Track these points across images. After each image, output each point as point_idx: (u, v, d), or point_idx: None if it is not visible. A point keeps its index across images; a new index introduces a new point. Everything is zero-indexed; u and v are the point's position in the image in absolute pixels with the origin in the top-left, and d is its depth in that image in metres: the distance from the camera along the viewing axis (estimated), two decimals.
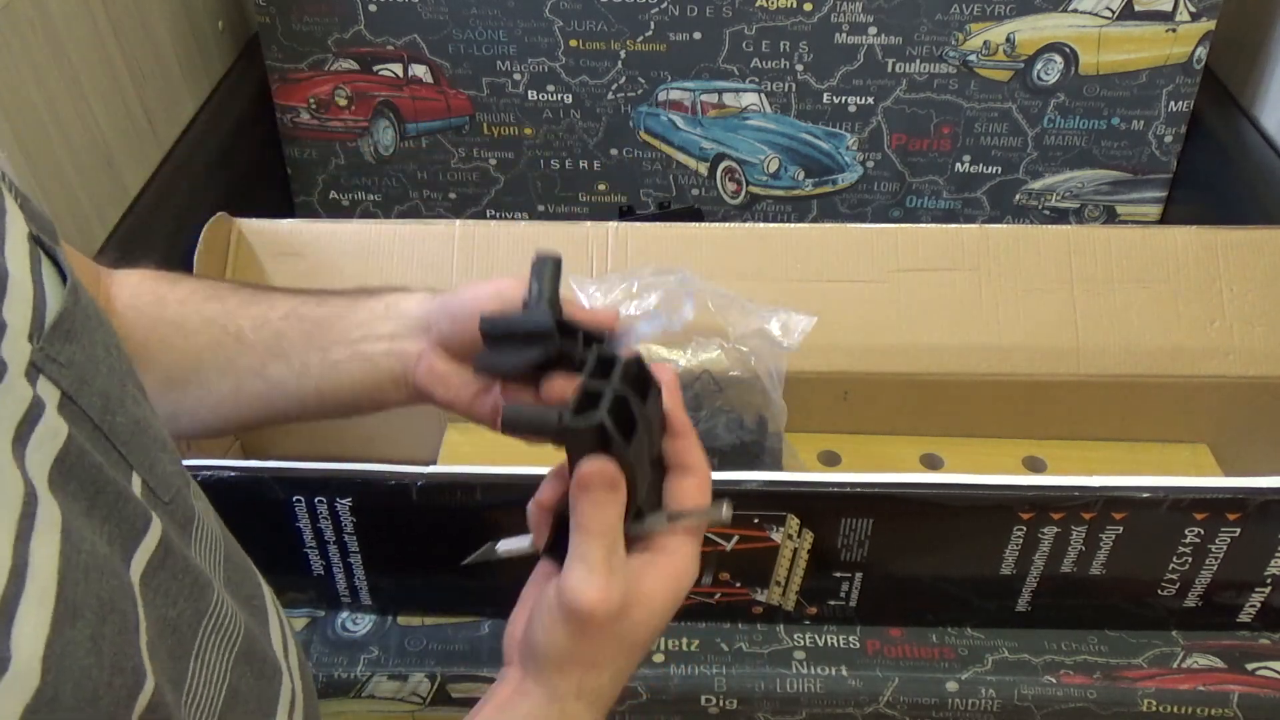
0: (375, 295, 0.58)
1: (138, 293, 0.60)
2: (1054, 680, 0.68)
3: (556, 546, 0.45)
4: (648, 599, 0.43)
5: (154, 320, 0.59)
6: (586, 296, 0.76)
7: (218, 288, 0.60)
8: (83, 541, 0.32)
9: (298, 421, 0.61)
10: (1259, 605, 0.69)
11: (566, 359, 0.51)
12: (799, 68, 1.14)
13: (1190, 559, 0.66)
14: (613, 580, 0.42)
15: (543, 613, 0.43)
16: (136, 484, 0.37)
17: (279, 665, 0.45)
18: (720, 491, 0.65)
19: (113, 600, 0.33)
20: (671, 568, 0.44)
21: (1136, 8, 1.08)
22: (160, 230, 0.95)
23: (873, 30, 1.11)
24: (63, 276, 0.36)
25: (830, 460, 0.84)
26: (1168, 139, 1.15)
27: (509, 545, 0.50)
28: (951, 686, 0.68)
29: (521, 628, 0.45)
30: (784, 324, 0.75)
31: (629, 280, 0.74)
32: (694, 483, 0.46)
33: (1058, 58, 1.12)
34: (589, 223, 0.86)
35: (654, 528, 0.43)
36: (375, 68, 1.19)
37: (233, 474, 0.64)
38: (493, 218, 1.27)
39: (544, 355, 0.51)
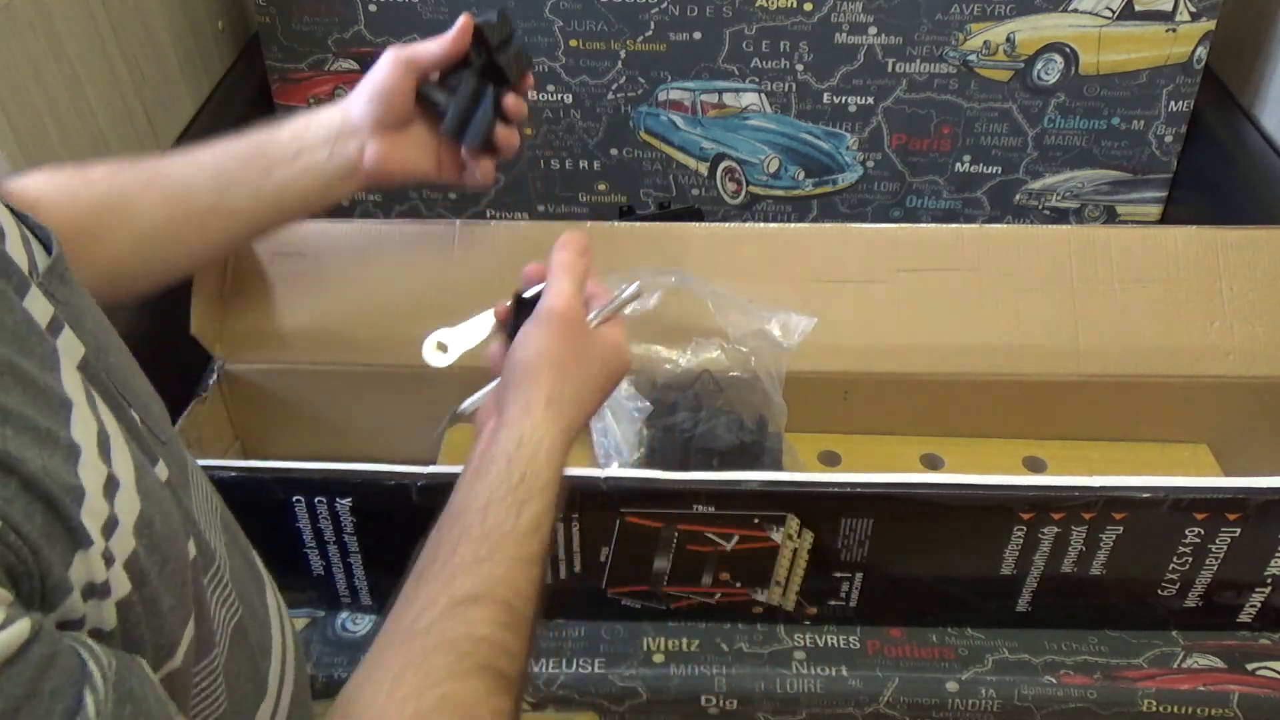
0: (288, 119, 0.69)
1: (57, 185, 0.64)
2: (1054, 680, 0.68)
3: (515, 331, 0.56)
4: (599, 340, 0.57)
5: (94, 201, 0.64)
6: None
7: (134, 163, 0.66)
8: (138, 460, 0.36)
9: (256, 238, 0.75)
10: (1259, 605, 0.69)
11: (494, 70, 0.70)
12: (799, 68, 1.14)
13: (1190, 559, 0.66)
14: (579, 296, 0.57)
15: (523, 334, 0.54)
16: (137, 420, 0.39)
17: (271, 635, 0.47)
18: (721, 491, 0.65)
19: (177, 514, 0.38)
20: (610, 337, 0.57)
21: (1136, 8, 1.08)
22: None
23: (873, 30, 1.11)
24: (40, 237, 0.39)
25: (830, 460, 0.84)
26: (1168, 139, 1.15)
27: (469, 401, 0.59)
28: (951, 686, 0.68)
29: (495, 399, 0.55)
30: (784, 325, 0.75)
31: (628, 281, 0.74)
32: (600, 286, 0.61)
33: (1058, 58, 1.12)
34: (589, 223, 0.86)
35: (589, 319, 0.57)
36: None
37: (233, 474, 0.64)
38: (493, 218, 1.27)
39: (476, 79, 0.69)
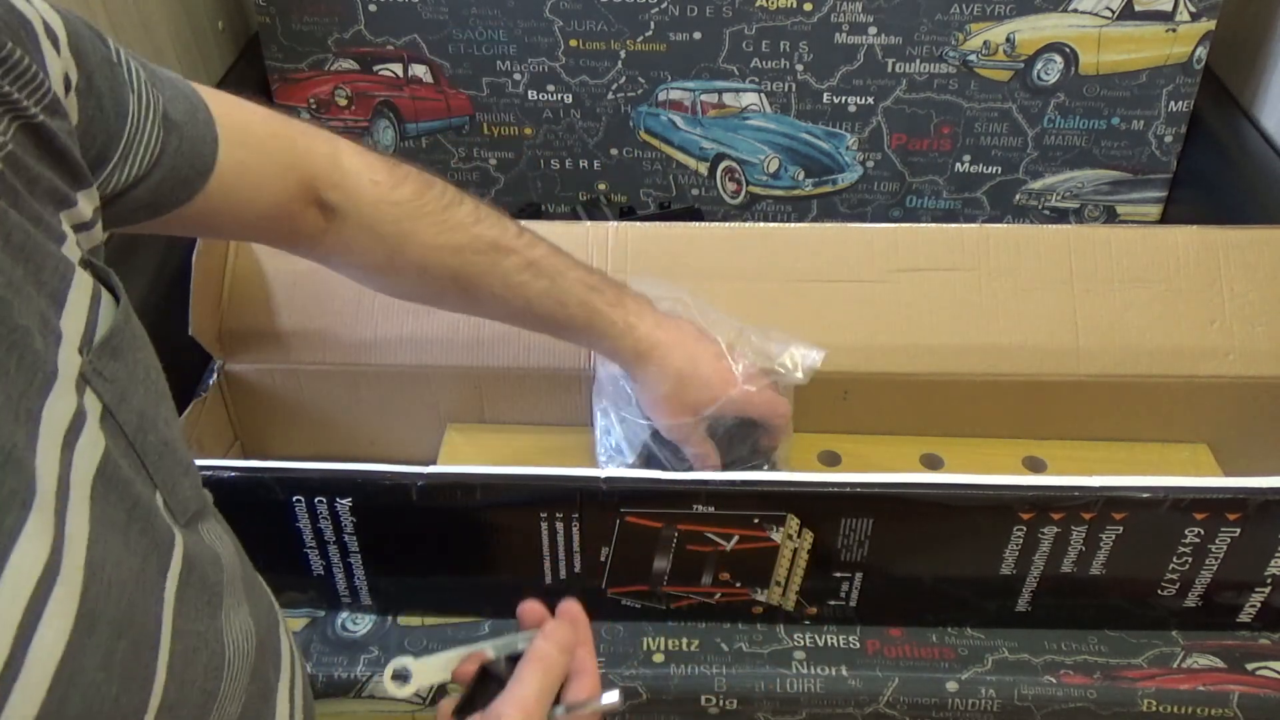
0: (613, 330, 0.67)
1: (369, 184, 0.61)
2: (1054, 680, 0.68)
3: (469, 705, 0.50)
4: None
5: (388, 227, 0.62)
6: None
7: (439, 216, 0.63)
8: (110, 554, 0.33)
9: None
10: (1259, 605, 0.69)
11: None
12: (799, 68, 1.14)
13: (1190, 559, 0.66)
14: (540, 705, 0.48)
15: None
16: (159, 502, 0.37)
17: (276, 684, 0.46)
18: (721, 491, 0.65)
19: (134, 616, 0.33)
20: None
21: (1136, 8, 1.08)
22: (164, 234, 0.95)
23: (873, 30, 1.11)
24: (115, 298, 0.37)
25: (830, 460, 0.84)
26: (1168, 139, 1.15)
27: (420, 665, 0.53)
28: (951, 686, 0.68)
29: None
30: (793, 359, 0.74)
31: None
32: (587, 682, 0.51)
33: (1058, 58, 1.12)
34: (589, 222, 0.86)
35: (555, 714, 0.49)
36: (375, 68, 1.19)
37: (233, 474, 0.64)
38: None
39: None
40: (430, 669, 0.52)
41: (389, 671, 0.52)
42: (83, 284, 0.35)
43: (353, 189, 0.60)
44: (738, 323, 0.74)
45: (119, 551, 0.33)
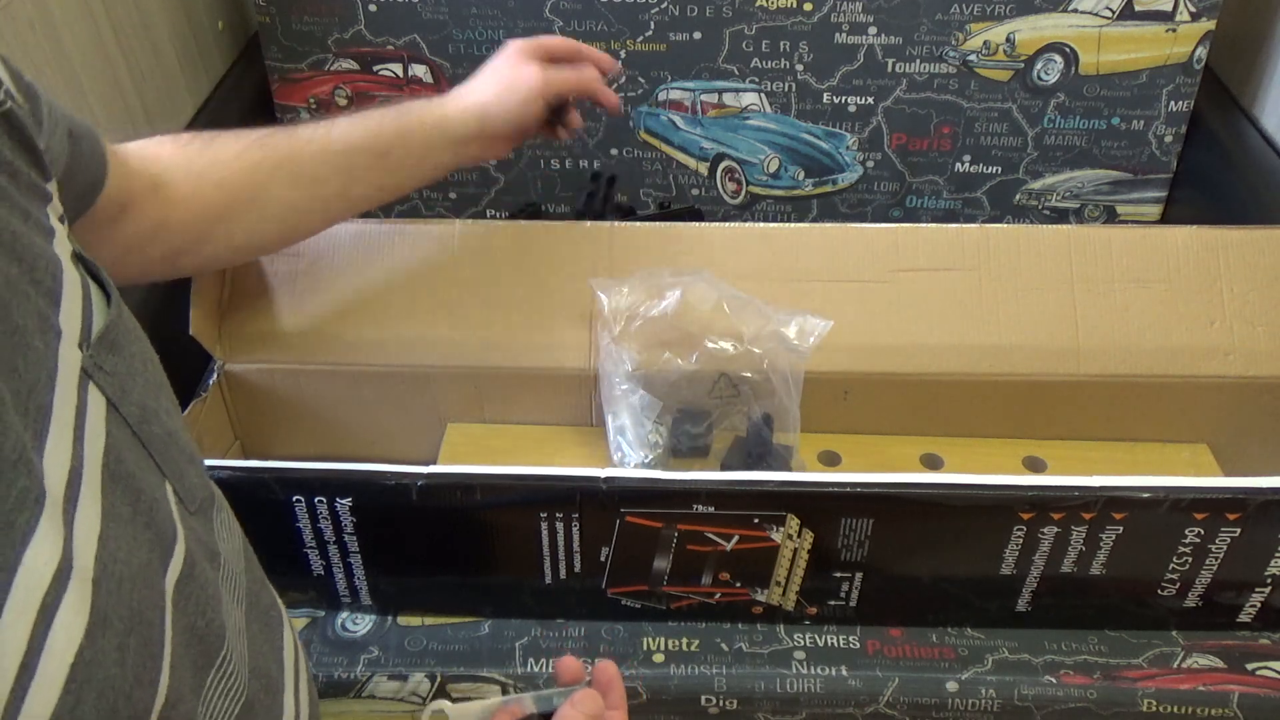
0: (422, 107, 0.74)
1: (185, 159, 0.66)
2: (1054, 680, 0.68)
3: None
4: None
5: (222, 182, 0.67)
6: (606, 297, 0.76)
7: (261, 141, 0.69)
8: (119, 549, 0.33)
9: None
10: (1259, 605, 0.69)
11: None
12: (799, 68, 1.14)
13: (1190, 559, 0.66)
14: None
15: None
16: (169, 492, 0.38)
17: (282, 683, 0.46)
18: (721, 491, 0.65)
19: (142, 611, 0.33)
20: None
21: (1136, 8, 1.08)
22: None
23: (873, 30, 1.11)
24: (106, 294, 0.38)
25: (830, 460, 0.84)
26: (1168, 139, 1.15)
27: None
28: (951, 686, 0.68)
29: None
30: (799, 327, 0.74)
31: (650, 279, 0.75)
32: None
33: (1058, 58, 1.12)
34: (589, 223, 0.86)
35: None
36: (375, 68, 1.19)
37: (233, 474, 0.64)
38: (493, 218, 1.27)
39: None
40: (467, 716, 0.53)
41: (426, 715, 0.53)
42: (73, 280, 0.35)
43: (154, 154, 0.65)
44: (749, 298, 0.76)
45: (128, 545, 0.33)
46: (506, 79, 0.76)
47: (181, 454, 0.39)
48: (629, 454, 0.77)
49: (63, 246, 0.36)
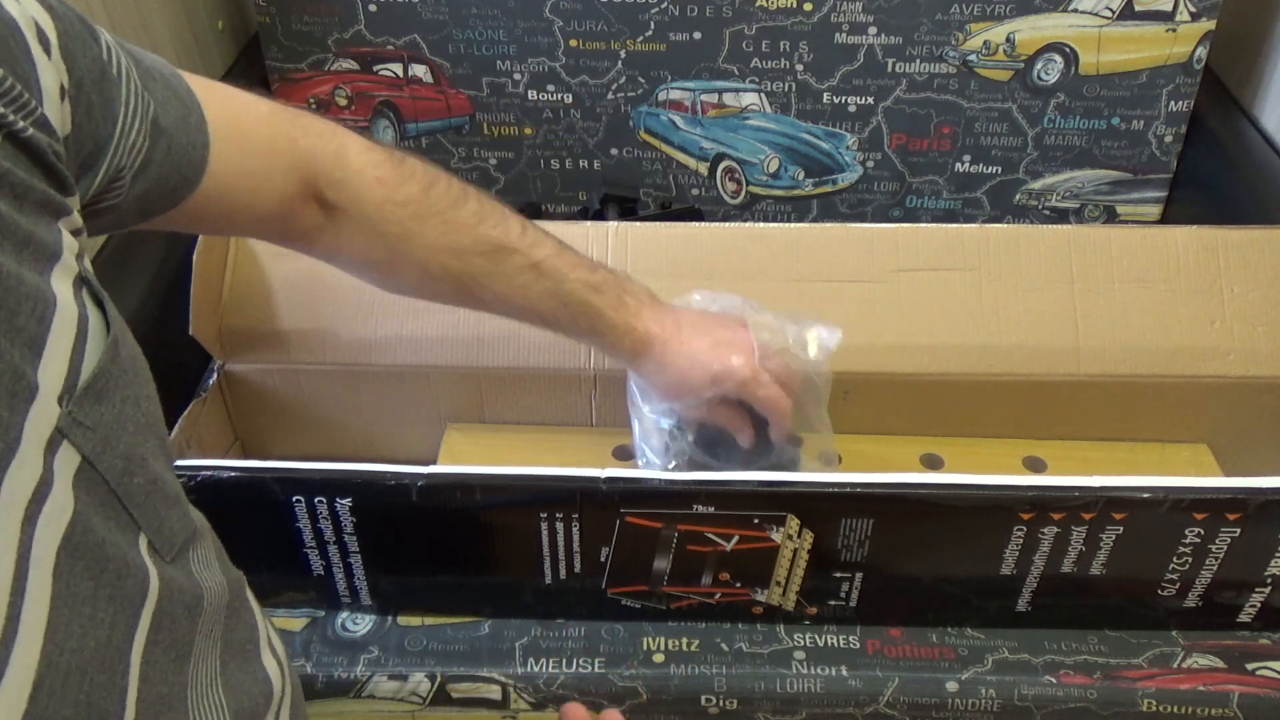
0: (613, 332, 0.67)
1: (371, 186, 0.60)
2: (1054, 680, 0.68)
3: None
4: None
5: (392, 231, 0.61)
6: None
7: (444, 214, 0.63)
8: (69, 638, 0.31)
9: None
10: (1259, 605, 0.69)
11: None
12: (799, 68, 1.14)
13: (1190, 559, 0.66)
14: None
15: None
16: (143, 544, 0.36)
17: (266, 710, 0.45)
18: (721, 491, 0.65)
19: (90, 700, 0.32)
20: None
21: (1136, 8, 1.08)
22: (160, 229, 0.95)
23: (873, 30, 1.11)
24: (107, 324, 0.35)
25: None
26: (1168, 139, 1.15)
27: None
28: (951, 686, 0.68)
29: None
30: (816, 338, 0.73)
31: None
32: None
33: (1058, 58, 1.12)
34: (589, 223, 0.86)
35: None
36: (375, 68, 1.19)
37: (233, 474, 0.64)
38: None
39: None
40: None
41: None
42: (67, 318, 0.33)
43: (356, 189, 0.59)
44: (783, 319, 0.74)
45: (83, 626, 0.32)
46: (706, 377, 0.68)
47: (165, 499, 0.38)
48: (653, 460, 0.76)
49: (65, 272, 0.34)
